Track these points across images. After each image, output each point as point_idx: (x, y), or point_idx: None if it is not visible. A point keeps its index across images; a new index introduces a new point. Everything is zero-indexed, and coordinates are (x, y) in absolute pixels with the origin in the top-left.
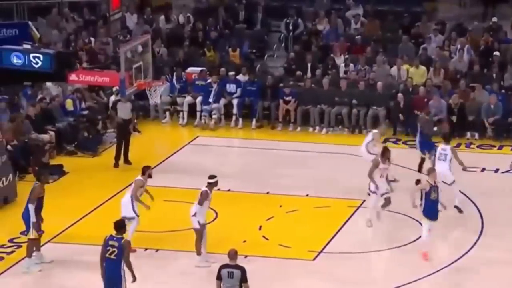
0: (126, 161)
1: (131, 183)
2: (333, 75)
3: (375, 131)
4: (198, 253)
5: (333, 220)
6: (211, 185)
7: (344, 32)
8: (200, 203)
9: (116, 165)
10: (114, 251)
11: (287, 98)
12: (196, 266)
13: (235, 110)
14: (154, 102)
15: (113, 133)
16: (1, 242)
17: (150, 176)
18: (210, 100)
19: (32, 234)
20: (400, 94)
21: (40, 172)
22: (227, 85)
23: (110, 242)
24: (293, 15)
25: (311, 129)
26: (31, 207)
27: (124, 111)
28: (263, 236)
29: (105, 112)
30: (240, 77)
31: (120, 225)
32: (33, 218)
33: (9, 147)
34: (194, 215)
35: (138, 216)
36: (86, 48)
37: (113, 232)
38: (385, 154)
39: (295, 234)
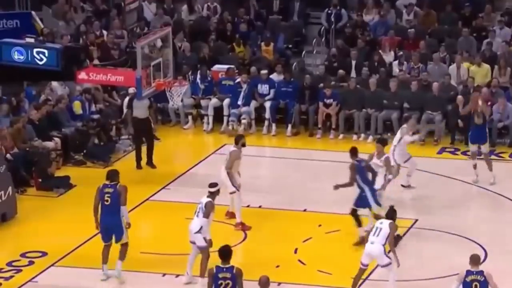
0: (150, 163)
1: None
2: (382, 74)
3: (403, 126)
4: (203, 274)
5: None
6: (213, 195)
7: (395, 25)
8: (206, 216)
9: (138, 166)
10: (228, 283)
11: (328, 101)
12: None
13: (267, 115)
14: (174, 105)
15: (127, 140)
16: None
17: (243, 145)
18: (239, 102)
19: (127, 237)
20: (459, 97)
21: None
22: (259, 86)
23: (220, 275)
24: (336, 5)
25: (355, 136)
26: (125, 209)
27: (141, 109)
28: (299, 260)
29: (119, 116)
30: (274, 76)
31: (226, 253)
32: (127, 219)
33: (8, 156)
34: (199, 231)
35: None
36: (98, 42)
37: (220, 262)
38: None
39: (336, 258)
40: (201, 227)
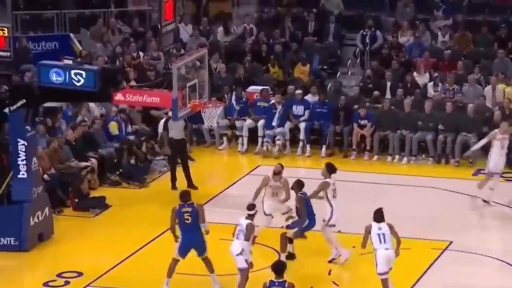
0: (191, 185)
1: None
2: (416, 95)
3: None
4: None
5: (415, 265)
6: (252, 217)
7: (430, 46)
8: (247, 238)
9: (174, 187)
10: None
11: (362, 122)
12: None
13: (302, 136)
14: (209, 126)
15: (162, 161)
16: (35, 286)
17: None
18: (274, 123)
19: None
20: (497, 113)
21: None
22: (294, 107)
23: None
24: (371, 26)
25: (389, 158)
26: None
27: (176, 130)
28: (333, 282)
29: (154, 136)
30: (309, 97)
31: (280, 268)
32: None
33: (45, 176)
34: (241, 253)
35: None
36: (134, 63)
37: (273, 277)
38: None
39: (370, 280)
40: (243, 249)
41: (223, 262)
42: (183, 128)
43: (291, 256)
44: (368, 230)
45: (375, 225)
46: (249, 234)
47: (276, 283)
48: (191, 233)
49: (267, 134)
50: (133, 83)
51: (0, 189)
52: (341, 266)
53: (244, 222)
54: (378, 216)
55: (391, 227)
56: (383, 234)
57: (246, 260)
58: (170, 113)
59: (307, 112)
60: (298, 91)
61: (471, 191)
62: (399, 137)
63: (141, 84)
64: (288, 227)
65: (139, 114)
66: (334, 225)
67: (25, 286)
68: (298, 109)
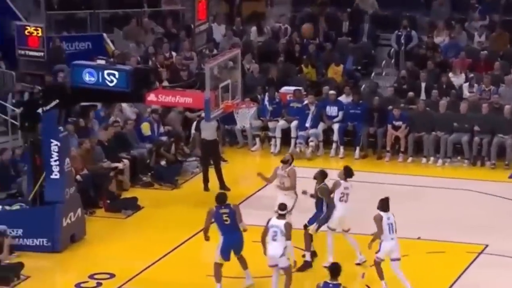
0: (223, 186)
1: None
2: (452, 96)
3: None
4: None
5: (449, 268)
6: (284, 217)
7: (466, 47)
8: (289, 237)
9: (206, 188)
10: None
11: (397, 123)
12: None
13: (335, 137)
14: (242, 127)
15: (195, 162)
16: (67, 287)
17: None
18: (307, 125)
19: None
20: None
21: None
22: (327, 108)
23: None
24: (406, 26)
25: (424, 160)
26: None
27: (209, 131)
28: (367, 286)
29: (187, 137)
30: (343, 98)
31: (336, 270)
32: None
33: (78, 177)
34: (283, 254)
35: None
36: (167, 64)
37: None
38: None
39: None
40: (285, 249)
41: (256, 265)
42: (215, 129)
43: (314, 254)
44: (379, 219)
45: (384, 215)
46: (289, 233)
47: (331, 285)
48: (231, 234)
49: (300, 135)
50: (165, 83)
51: (33, 189)
52: (374, 269)
53: (280, 222)
54: (385, 205)
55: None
56: (391, 224)
57: (289, 259)
58: (203, 114)
59: (340, 113)
60: (332, 92)
61: (507, 194)
62: (434, 138)
63: (174, 84)
64: (308, 222)
65: (180, 115)
66: (334, 229)
67: (57, 287)
68: (331, 110)
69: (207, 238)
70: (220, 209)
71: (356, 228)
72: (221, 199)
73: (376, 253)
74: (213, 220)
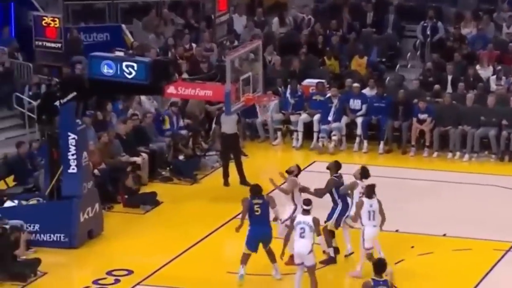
0: (244, 182)
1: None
2: (479, 89)
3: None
4: None
5: (476, 266)
6: (309, 212)
7: (494, 38)
8: (319, 233)
9: (226, 183)
10: None
11: (422, 117)
12: None
13: (359, 131)
14: (263, 120)
15: (214, 156)
16: (84, 283)
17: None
18: (329, 118)
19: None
20: None
21: None
22: (351, 101)
23: None
24: (432, 17)
25: (450, 154)
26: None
27: (229, 124)
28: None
29: (208, 131)
30: (366, 91)
31: (382, 266)
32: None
33: (96, 171)
34: (312, 250)
35: None
36: (187, 55)
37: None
38: None
39: (429, 281)
40: (313, 245)
41: (277, 262)
42: (236, 123)
43: (337, 251)
44: (360, 206)
45: (367, 202)
46: (319, 227)
47: (381, 282)
48: (260, 226)
49: (323, 129)
50: (185, 75)
51: (50, 184)
52: (398, 267)
53: (308, 218)
54: (370, 191)
55: (380, 203)
56: (373, 211)
57: (324, 251)
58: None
59: (364, 107)
60: (356, 85)
61: None
62: (460, 132)
63: (194, 77)
64: (327, 219)
65: (201, 102)
66: (352, 226)
67: (74, 284)
68: (355, 103)
69: (239, 228)
70: (253, 199)
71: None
72: (255, 190)
73: (364, 246)
74: None
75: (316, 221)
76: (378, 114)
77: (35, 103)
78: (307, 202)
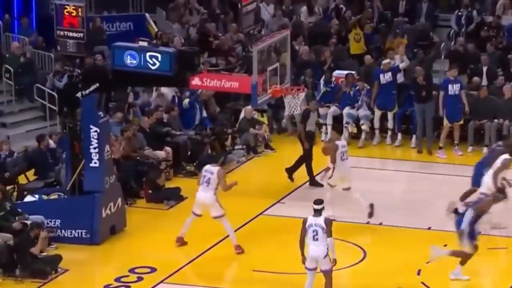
0: (291, 176)
1: None
2: None
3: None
4: None
5: None
6: (320, 212)
7: None
8: (331, 234)
9: (313, 183)
10: None
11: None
12: None
13: (390, 124)
14: (291, 113)
15: (241, 151)
16: (106, 281)
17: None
18: (357, 104)
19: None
20: None
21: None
22: (381, 76)
23: None
24: (467, 6)
25: (485, 149)
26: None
27: (312, 123)
28: (423, 283)
29: (234, 124)
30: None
31: None
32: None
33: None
34: (327, 254)
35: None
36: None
37: None
38: None
39: (464, 281)
40: (327, 247)
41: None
42: (315, 120)
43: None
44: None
45: (340, 144)
46: (330, 228)
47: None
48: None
49: (349, 114)
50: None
51: (72, 178)
52: (430, 266)
53: (319, 219)
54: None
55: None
56: (344, 152)
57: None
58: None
59: (399, 75)
60: (386, 61)
61: None
62: (496, 126)
63: (220, 67)
64: None
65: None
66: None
67: (96, 281)
68: (386, 77)
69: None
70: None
71: (408, 221)
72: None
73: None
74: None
75: (328, 222)
76: (410, 106)
77: (57, 90)
78: (318, 201)
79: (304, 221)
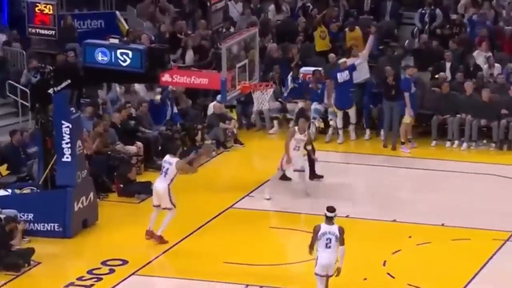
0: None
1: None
2: (479, 78)
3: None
4: None
5: (475, 256)
6: (332, 220)
7: (493, 25)
8: (343, 242)
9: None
10: None
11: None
12: None
13: (353, 119)
14: (260, 108)
15: (211, 145)
16: (79, 273)
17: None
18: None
19: None
20: None
21: None
22: (338, 75)
23: None
24: (430, 4)
25: (448, 143)
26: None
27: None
28: (388, 274)
29: (204, 120)
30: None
31: None
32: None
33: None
34: (337, 261)
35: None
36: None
37: None
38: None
39: (428, 272)
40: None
41: (273, 252)
42: None
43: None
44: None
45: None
46: (343, 236)
47: None
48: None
49: (316, 109)
50: (180, 63)
51: (44, 173)
52: (396, 257)
53: (333, 227)
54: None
55: None
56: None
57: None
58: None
59: (354, 73)
60: (343, 60)
61: None
62: (458, 121)
63: (189, 64)
64: None
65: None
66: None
67: (69, 274)
68: (343, 76)
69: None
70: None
71: (374, 214)
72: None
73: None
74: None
75: (341, 230)
76: (377, 101)
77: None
78: (331, 209)
79: (317, 229)
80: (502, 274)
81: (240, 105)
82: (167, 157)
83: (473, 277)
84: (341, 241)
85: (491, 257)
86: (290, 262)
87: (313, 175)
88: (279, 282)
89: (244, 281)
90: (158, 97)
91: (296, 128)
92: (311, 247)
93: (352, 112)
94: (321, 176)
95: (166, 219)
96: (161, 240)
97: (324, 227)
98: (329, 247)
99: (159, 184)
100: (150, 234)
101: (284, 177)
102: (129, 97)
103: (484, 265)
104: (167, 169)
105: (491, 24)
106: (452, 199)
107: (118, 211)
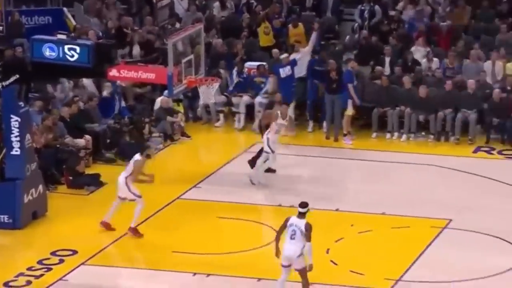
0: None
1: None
2: (417, 72)
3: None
4: None
5: (414, 243)
6: (304, 215)
7: (430, 21)
8: (309, 238)
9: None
10: None
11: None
12: None
13: (291, 113)
14: (205, 102)
15: (159, 138)
16: (29, 264)
17: (148, 157)
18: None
19: None
20: (497, 91)
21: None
22: (280, 70)
23: None
24: (370, 1)
25: (388, 135)
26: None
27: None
28: (331, 261)
29: (151, 113)
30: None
31: None
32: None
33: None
34: (301, 254)
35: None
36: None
37: None
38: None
39: (369, 258)
40: (303, 249)
41: (221, 241)
42: None
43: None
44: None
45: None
46: (310, 233)
47: None
48: None
49: (260, 103)
50: (127, 58)
51: None
52: (338, 245)
53: (301, 222)
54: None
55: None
56: None
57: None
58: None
59: (295, 68)
60: (284, 55)
61: (470, 169)
62: (398, 114)
63: (136, 59)
64: None
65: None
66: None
67: (19, 264)
68: (286, 70)
69: None
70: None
71: (317, 203)
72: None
73: None
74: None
75: (308, 226)
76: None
77: None
78: (304, 205)
79: (287, 219)
80: (440, 260)
81: (187, 99)
82: (136, 155)
83: (412, 263)
84: (307, 237)
85: (430, 244)
86: (237, 251)
87: (253, 164)
88: (226, 271)
89: (192, 269)
90: (106, 91)
91: (279, 112)
92: (278, 235)
93: (291, 107)
94: (274, 170)
95: (136, 211)
96: (135, 232)
97: (293, 219)
98: (293, 238)
99: (120, 176)
100: (104, 225)
101: (269, 170)
102: (78, 91)
103: (423, 251)
104: (129, 162)
105: (428, 20)
106: (392, 188)
107: (67, 203)
